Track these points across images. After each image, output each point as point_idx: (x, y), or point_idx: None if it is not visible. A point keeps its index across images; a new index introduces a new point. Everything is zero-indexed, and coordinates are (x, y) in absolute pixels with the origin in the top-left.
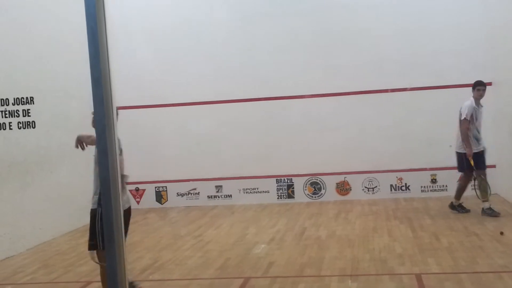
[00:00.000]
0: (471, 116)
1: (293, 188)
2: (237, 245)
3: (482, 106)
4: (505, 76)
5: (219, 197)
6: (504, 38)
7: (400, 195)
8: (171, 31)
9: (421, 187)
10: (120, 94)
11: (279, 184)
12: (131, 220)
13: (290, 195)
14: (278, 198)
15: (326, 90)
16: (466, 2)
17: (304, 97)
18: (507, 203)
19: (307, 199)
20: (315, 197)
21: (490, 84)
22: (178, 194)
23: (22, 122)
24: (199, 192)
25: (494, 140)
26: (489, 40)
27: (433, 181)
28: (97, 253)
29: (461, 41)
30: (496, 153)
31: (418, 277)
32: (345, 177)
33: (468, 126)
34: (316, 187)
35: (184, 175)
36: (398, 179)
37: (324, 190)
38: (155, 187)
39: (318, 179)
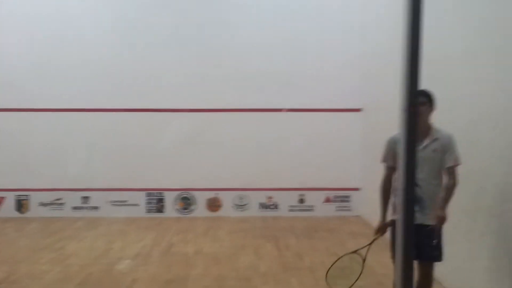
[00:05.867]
0: (388, 157)
1: (164, 202)
2: (100, 259)
3: (434, 139)
4: (372, 103)
5: (85, 209)
6: (375, 67)
7: (269, 213)
8: (46, 30)
9: (289, 206)
10: None
11: (149, 197)
12: None
13: (160, 210)
14: (147, 212)
15: (202, 105)
16: (344, 30)
17: (180, 111)
18: (369, 225)
19: (177, 214)
20: (185, 212)
21: (359, 110)
22: (40, 204)
23: None
24: (64, 203)
25: (360, 164)
26: (362, 68)
27: (301, 201)
28: None
29: (336, 67)
30: (361, 177)
31: None
32: (216, 193)
33: (389, 174)
34: (187, 202)
35: (49, 184)
36: (267, 198)
37: (195, 206)
38: (16, 195)
39: (189, 194)
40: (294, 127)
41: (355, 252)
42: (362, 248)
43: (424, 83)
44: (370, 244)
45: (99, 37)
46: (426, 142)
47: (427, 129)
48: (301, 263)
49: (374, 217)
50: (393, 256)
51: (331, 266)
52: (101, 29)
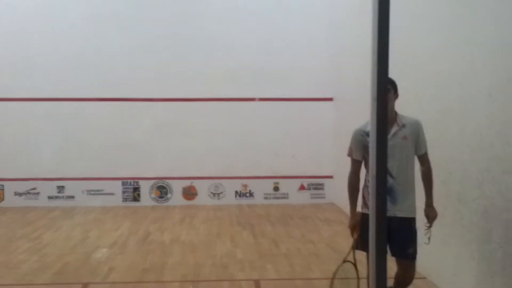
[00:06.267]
0: (356, 150)
1: (139, 191)
2: (77, 249)
3: (402, 126)
4: (343, 93)
5: (60, 198)
6: (345, 58)
7: (244, 201)
8: (18, 20)
9: (264, 194)
10: None
11: (125, 186)
12: None
13: (136, 198)
14: (123, 201)
15: (177, 95)
16: (315, 21)
17: (154, 100)
18: (343, 212)
19: (153, 203)
20: (161, 201)
21: (331, 99)
22: (16, 194)
23: None
24: (39, 192)
25: (333, 152)
26: (333, 58)
27: (276, 189)
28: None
29: (308, 57)
30: (334, 164)
31: (257, 283)
32: (191, 182)
33: (357, 168)
34: (162, 191)
35: (24, 173)
36: (243, 186)
37: (171, 194)
38: None
39: (165, 183)
40: (268, 116)
41: (344, 261)
42: (348, 255)
43: (394, 74)
44: (353, 247)
45: (72, 27)
46: (393, 129)
47: (393, 117)
48: (277, 250)
49: (347, 204)
50: (361, 248)
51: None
52: (74, 19)
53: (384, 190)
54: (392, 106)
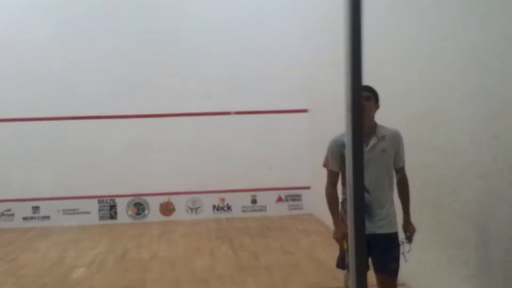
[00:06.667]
0: (333, 160)
1: (116, 208)
2: (54, 269)
3: (381, 138)
4: (318, 104)
5: (36, 219)
6: (318, 68)
7: (223, 215)
8: None
9: (242, 207)
10: None
11: (101, 204)
12: None
13: (113, 216)
14: (100, 219)
15: (151, 111)
16: (287, 34)
17: (128, 117)
18: (321, 222)
19: (130, 220)
20: (138, 217)
21: (306, 111)
22: None
23: None
24: (13, 213)
25: (309, 163)
26: (306, 70)
27: (253, 201)
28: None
29: (281, 69)
30: (311, 175)
31: None
32: (169, 198)
33: (334, 179)
34: (139, 208)
35: None
36: (220, 200)
37: (148, 211)
38: None
39: (142, 199)
40: (243, 129)
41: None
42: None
43: (367, 82)
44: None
45: (41, 45)
46: (372, 141)
47: (373, 128)
48: (256, 263)
49: (325, 214)
50: (340, 267)
51: None
52: (42, 36)
53: (362, 200)
54: (372, 116)
